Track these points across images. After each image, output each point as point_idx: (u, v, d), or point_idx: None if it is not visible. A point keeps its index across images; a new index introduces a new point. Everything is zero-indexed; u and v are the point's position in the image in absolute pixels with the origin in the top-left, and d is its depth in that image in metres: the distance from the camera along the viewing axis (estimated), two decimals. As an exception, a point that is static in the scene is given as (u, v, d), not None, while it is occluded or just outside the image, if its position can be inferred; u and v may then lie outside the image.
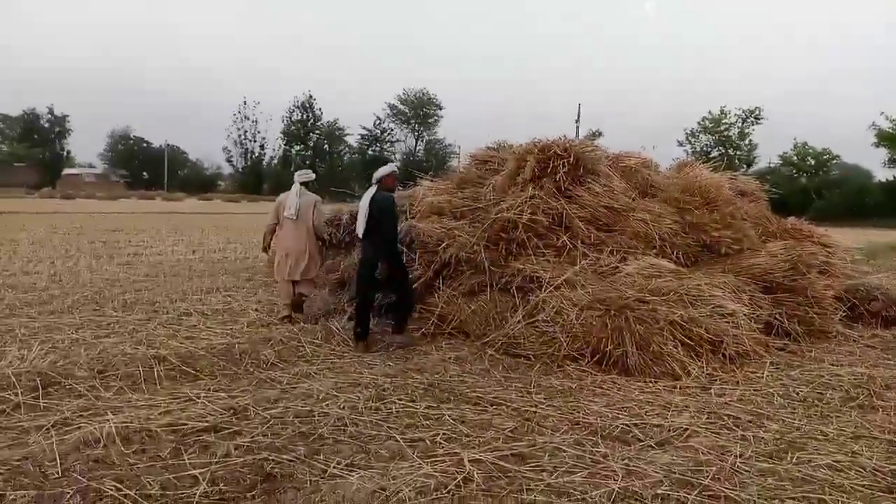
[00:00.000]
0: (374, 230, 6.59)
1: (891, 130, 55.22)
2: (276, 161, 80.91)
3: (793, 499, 3.58)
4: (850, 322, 8.25)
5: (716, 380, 5.85)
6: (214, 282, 10.28)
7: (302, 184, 7.82)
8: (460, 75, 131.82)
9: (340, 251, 8.51)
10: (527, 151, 8.85)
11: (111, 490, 3.39)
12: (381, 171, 6.87)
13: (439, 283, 7.59)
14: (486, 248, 7.74)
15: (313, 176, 8.08)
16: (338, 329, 6.96)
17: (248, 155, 79.96)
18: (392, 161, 77.23)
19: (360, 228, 6.65)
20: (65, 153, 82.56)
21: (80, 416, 4.43)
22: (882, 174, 62.93)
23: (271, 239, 7.90)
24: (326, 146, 79.95)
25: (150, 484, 3.48)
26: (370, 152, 78.42)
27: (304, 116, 79.11)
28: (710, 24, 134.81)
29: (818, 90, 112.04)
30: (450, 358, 6.33)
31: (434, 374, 5.77)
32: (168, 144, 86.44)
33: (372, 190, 6.75)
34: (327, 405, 4.80)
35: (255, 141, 79.77)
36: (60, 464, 3.66)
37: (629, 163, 9.87)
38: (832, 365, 6.51)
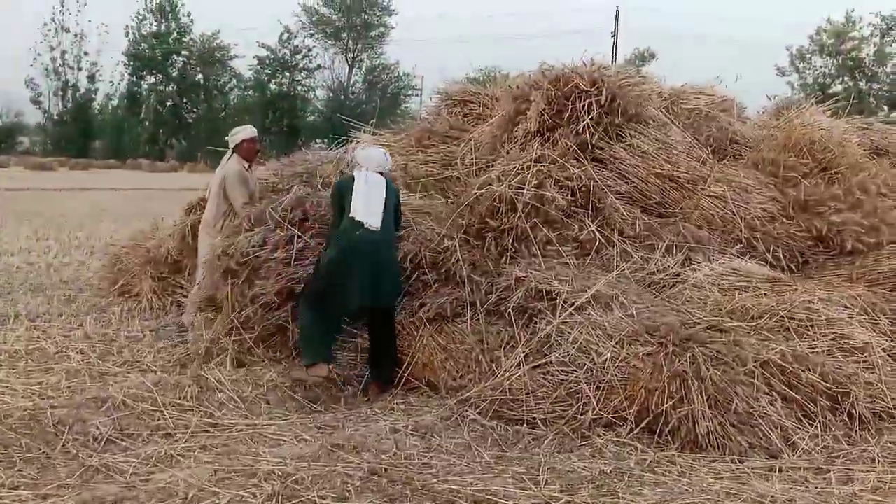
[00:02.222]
0: (388, 221, 7.32)
1: None
2: (114, 100, 79.64)
3: None
4: None
5: (838, 456, 5.92)
6: (11, 305, 10.15)
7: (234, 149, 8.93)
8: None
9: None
10: (532, 86, 8.88)
11: None
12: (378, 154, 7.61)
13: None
14: (464, 245, 7.77)
15: (242, 136, 8.85)
16: (219, 382, 6.93)
17: (70, 92, 78.44)
18: (314, 98, 77.09)
19: (375, 220, 7.09)
20: None
21: None
22: None
23: None
24: (200, 76, 78.99)
25: None
26: (272, 86, 77.71)
27: (163, 27, 78.03)
28: None
29: None
30: (405, 426, 6.33)
31: (379, 453, 5.76)
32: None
33: (375, 159, 7.47)
34: (201, 509, 4.77)
35: (79, 68, 78.28)
36: None
37: (698, 104, 9.96)
38: None
